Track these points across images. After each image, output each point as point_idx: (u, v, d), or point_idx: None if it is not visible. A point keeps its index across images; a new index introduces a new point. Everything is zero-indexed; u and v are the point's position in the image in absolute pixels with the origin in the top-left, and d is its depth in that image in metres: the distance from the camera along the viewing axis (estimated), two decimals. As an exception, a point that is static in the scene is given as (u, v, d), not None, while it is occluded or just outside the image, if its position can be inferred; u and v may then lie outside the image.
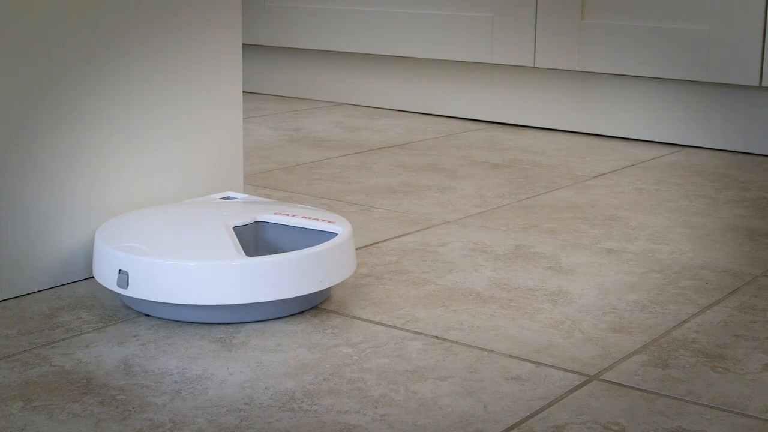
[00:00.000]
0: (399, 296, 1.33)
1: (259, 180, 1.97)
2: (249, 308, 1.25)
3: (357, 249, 1.49)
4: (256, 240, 1.38)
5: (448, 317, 1.27)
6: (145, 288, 1.24)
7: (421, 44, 2.64)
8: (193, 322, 1.25)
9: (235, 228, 1.33)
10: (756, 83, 2.18)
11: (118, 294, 1.29)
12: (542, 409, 1.03)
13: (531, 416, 1.02)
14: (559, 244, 1.57)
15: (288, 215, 1.38)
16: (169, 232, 1.34)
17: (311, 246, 1.28)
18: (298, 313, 1.28)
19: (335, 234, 1.33)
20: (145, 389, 1.07)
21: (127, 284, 1.25)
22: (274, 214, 1.38)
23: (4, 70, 1.30)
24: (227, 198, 1.50)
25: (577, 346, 1.19)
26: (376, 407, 1.03)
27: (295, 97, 2.96)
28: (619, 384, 1.09)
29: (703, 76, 2.24)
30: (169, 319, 1.26)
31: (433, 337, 1.22)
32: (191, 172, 1.54)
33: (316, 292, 1.28)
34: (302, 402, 1.05)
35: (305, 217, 1.37)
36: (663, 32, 2.27)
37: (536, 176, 2.05)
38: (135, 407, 1.03)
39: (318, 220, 1.36)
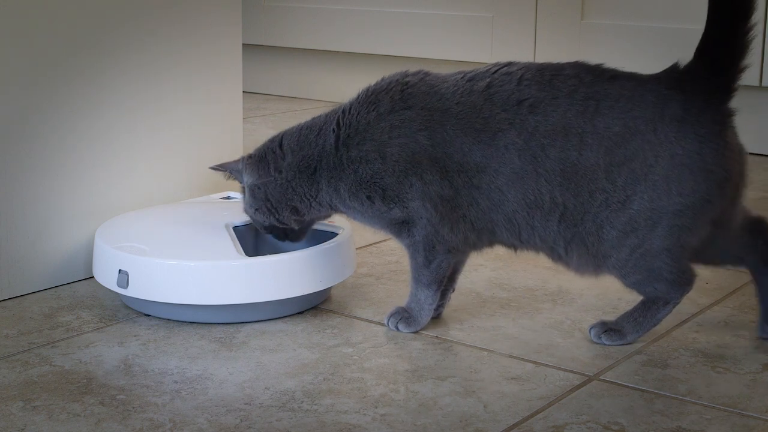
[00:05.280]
0: (399, 296, 1.33)
1: (259, 180, 1.97)
2: (249, 308, 1.25)
3: (357, 249, 1.49)
4: (256, 240, 1.38)
5: (448, 317, 1.27)
6: (145, 288, 1.24)
7: (421, 44, 2.64)
8: (193, 322, 1.25)
9: (235, 228, 1.33)
10: (756, 83, 2.18)
11: (118, 294, 1.29)
12: (542, 409, 1.03)
13: (531, 416, 1.02)
14: (559, 244, 1.57)
15: (288, 215, 1.38)
16: (169, 232, 1.34)
17: (311, 246, 1.28)
18: (298, 313, 1.28)
19: (335, 234, 1.33)
20: (145, 389, 1.07)
21: (127, 284, 1.25)
22: (274, 214, 1.38)
23: (5, 72, 1.30)
24: (227, 198, 1.50)
25: (577, 346, 1.19)
26: (376, 407, 1.03)
27: (295, 97, 2.96)
28: (619, 384, 1.09)
29: (703, 76, 2.24)
30: (169, 319, 1.26)
31: (433, 337, 1.22)
32: (191, 171, 1.54)
33: (316, 292, 1.28)
34: (302, 402, 1.04)
35: (305, 217, 1.37)
36: (663, 32, 2.27)
37: (536, 176, 2.05)
38: (135, 407, 1.03)
39: (318, 220, 1.36)
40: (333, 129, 1.20)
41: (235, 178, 1.28)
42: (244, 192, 1.28)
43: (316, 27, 2.82)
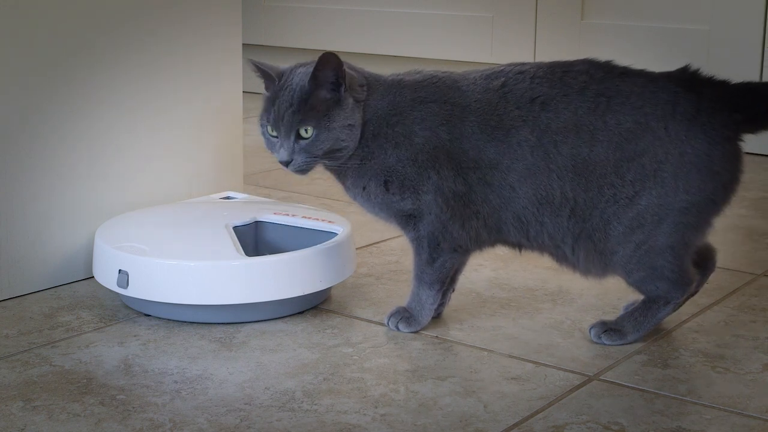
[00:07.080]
0: (399, 296, 1.33)
1: (259, 180, 1.97)
2: (249, 308, 1.25)
3: (357, 249, 1.49)
4: (256, 240, 1.38)
5: (448, 317, 1.27)
6: (145, 288, 1.24)
7: (421, 44, 2.64)
8: (193, 322, 1.25)
9: (235, 228, 1.33)
10: (756, 83, 2.18)
11: (118, 294, 1.29)
12: (542, 409, 1.03)
13: (531, 416, 1.02)
14: (559, 244, 1.57)
15: (288, 215, 1.38)
16: (169, 232, 1.34)
17: (311, 246, 1.28)
18: (298, 313, 1.28)
19: (335, 234, 1.33)
20: (145, 389, 1.07)
21: (127, 284, 1.25)
22: (274, 214, 1.38)
23: (5, 72, 1.30)
24: (227, 198, 1.50)
25: (577, 346, 1.19)
26: (376, 407, 1.03)
27: (295, 97, 2.95)
28: (619, 384, 1.09)
29: (703, 76, 2.24)
30: (169, 319, 1.26)
31: (433, 337, 1.22)
32: (191, 172, 1.54)
33: (316, 292, 1.28)
34: (302, 402, 1.04)
35: (305, 217, 1.37)
36: (663, 32, 2.27)
37: (536, 176, 2.05)
38: (135, 407, 1.03)
39: (318, 220, 1.36)
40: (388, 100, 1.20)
41: (264, 81, 1.22)
42: (320, 106, 1.18)
43: (316, 27, 2.82)
